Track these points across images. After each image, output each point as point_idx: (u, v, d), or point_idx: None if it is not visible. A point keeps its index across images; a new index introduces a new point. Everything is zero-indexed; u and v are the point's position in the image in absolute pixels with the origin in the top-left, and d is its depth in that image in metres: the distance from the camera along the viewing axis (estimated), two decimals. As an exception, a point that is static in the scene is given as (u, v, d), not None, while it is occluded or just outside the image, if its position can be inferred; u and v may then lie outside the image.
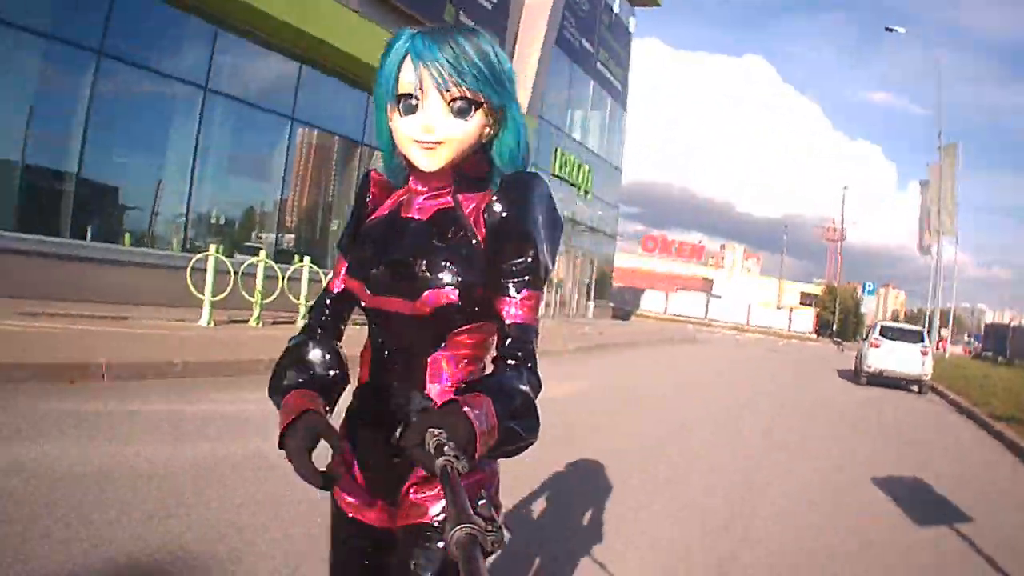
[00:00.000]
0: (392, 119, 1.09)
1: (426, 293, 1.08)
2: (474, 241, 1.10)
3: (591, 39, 21.48)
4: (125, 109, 8.57)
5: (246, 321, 8.94)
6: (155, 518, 2.90)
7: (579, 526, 3.64)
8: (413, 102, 1.06)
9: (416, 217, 1.15)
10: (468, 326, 1.12)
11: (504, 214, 1.08)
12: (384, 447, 1.13)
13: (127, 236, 9.08)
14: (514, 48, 16.68)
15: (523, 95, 15.12)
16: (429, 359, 1.13)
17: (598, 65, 22.40)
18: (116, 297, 7.96)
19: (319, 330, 1.23)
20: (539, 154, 18.86)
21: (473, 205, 1.12)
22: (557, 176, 20.40)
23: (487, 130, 1.11)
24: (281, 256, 10.46)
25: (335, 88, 11.70)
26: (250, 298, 8.89)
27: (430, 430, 0.85)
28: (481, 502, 0.81)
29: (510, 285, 1.08)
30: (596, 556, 3.14)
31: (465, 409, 0.88)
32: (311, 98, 11.26)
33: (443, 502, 0.89)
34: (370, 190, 1.22)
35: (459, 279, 1.08)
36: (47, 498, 2.90)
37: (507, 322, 1.07)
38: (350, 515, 1.21)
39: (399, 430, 1.01)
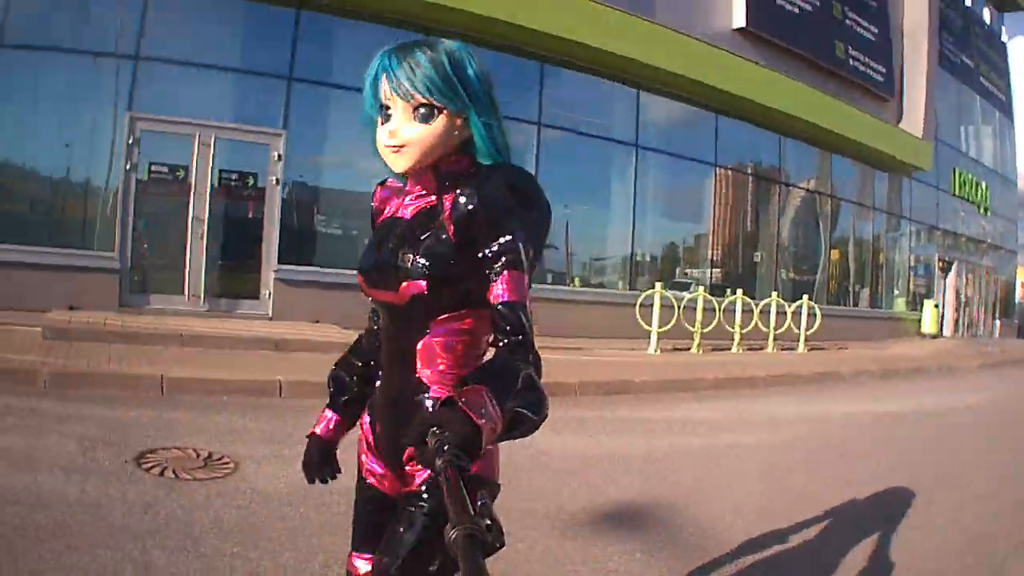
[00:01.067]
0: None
1: (403, 285, 1.16)
2: (443, 235, 1.15)
3: (970, 54, 19.99)
4: (570, 166, 10.54)
5: (687, 349, 9.97)
6: (650, 480, 3.93)
7: None
8: (388, 112, 1.16)
9: (403, 216, 1.25)
10: (449, 314, 1.19)
11: (469, 207, 1.12)
12: (391, 425, 1.26)
13: (576, 280, 11.07)
14: (902, 75, 15.71)
15: (916, 118, 13.32)
16: (419, 345, 1.21)
17: (981, 79, 20.77)
18: (570, 331, 9.74)
19: (373, 327, 1.39)
20: (939, 176, 17.75)
21: (450, 202, 1.17)
22: (958, 196, 19.07)
23: (455, 132, 1.17)
24: (713, 290, 11.29)
25: (748, 131, 12.37)
26: (691, 328, 9.89)
27: (431, 430, 0.87)
28: (481, 502, 0.83)
29: (491, 271, 1.11)
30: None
31: (464, 406, 0.89)
32: (728, 144, 12.16)
33: (418, 426, 0.91)
34: (375, 199, 1.35)
35: (427, 271, 1.14)
36: (574, 468, 4.12)
37: (494, 304, 1.10)
38: (368, 481, 1.35)
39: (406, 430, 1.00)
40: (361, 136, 1.21)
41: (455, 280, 1.15)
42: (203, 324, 7.08)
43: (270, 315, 7.99)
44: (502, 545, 0.82)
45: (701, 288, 10.49)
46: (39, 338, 6.03)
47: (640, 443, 4.88)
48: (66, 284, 7.27)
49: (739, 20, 11.45)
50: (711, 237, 12.76)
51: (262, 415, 4.60)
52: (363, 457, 1.35)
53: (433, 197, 1.22)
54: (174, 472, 3.35)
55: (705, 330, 9.96)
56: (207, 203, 7.81)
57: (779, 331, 11.04)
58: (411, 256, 1.16)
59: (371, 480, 1.34)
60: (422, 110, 1.15)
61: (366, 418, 1.35)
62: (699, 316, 9.92)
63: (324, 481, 1.44)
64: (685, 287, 10.77)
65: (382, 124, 1.18)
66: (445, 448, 0.84)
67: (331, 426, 1.42)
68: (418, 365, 1.21)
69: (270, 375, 5.44)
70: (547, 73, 9.92)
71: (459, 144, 1.19)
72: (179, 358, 5.79)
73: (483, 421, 0.89)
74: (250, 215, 8.14)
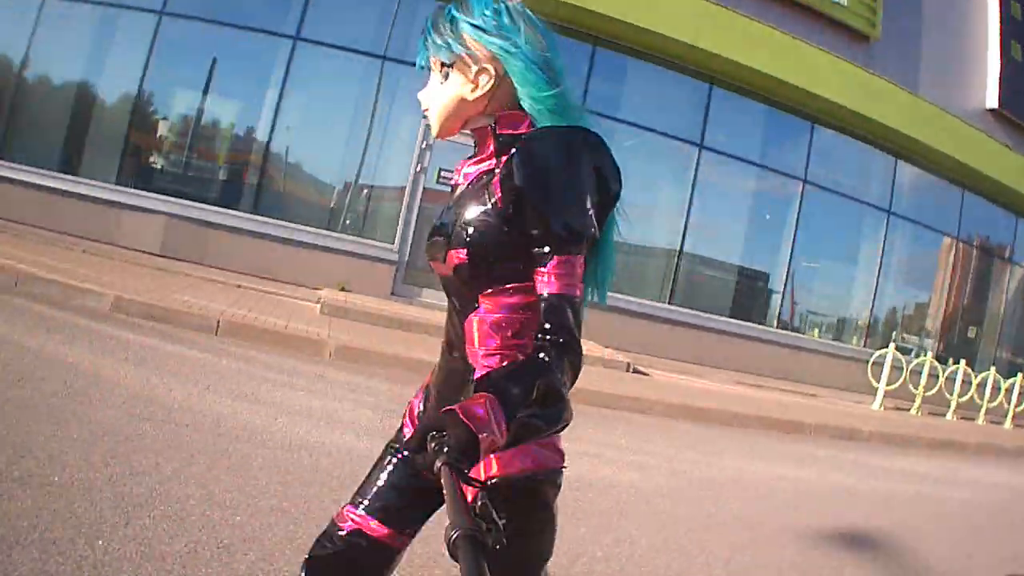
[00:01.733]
0: None
1: (449, 254, 1.12)
2: (490, 203, 1.09)
3: None
4: (824, 223, 10.63)
5: (907, 409, 9.98)
6: (876, 514, 4.39)
7: None
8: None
9: (462, 183, 1.20)
10: (497, 288, 1.12)
11: (510, 180, 1.06)
12: (437, 402, 1.23)
13: (815, 330, 11.17)
14: None
15: None
16: (466, 321, 1.16)
17: None
18: (804, 378, 9.87)
19: None
20: None
21: (501, 168, 1.11)
22: None
23: (473, 87, 1.13)
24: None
25: (985, 207, 12.10)
26: (914, 390, 9.89)
27: (431, 434, 0.88)
28: (481, 503, 0.85)
29: (538, 255, 1.05)
30: None
31: (463, 416, 0.88)
32: (965, 217, 11.99)
33: (419, 430, 0.90)
34: (456, 171, 1.26)
35: (468, 239, 1.09)
36: (812, 494, 4.61)
37: (540, 295, 1.05)
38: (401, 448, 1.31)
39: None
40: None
41: (499, 251, 1.09)
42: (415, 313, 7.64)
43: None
44: (503, 546, 0.82)
45: (929, 354, 10.43)
46: (317, 313, 6.75)
47: (865, 483, 5.34)
48: (343, 267, 8.12)
49: (992, 101, 11.46)
50: (935, 306, 12.58)
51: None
52: (406, 429, 1.33)
53: (492, 161, 1.16)
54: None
55: (928, 393, 9.94)
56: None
57: (991, 404, 10.90)
58: (459, 225, 1.12)
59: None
60: (444, 70, 1.14)
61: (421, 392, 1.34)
62: (923, 380, 9.88)
63: None
64: (906, 351, 10.72)
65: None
66: (445, 451, 0.84)
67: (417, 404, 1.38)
68: (467, 345, 1.16)
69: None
70: (816, 132, 10.18)
71: (495, 101, 1.14)
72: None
73: (479, 427, 0.87)
74: None
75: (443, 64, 1.14)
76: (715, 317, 9.65)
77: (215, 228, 8.02)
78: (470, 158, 1.22)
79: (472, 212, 1.11)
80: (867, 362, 9.62)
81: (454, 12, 1.13)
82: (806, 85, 9.30)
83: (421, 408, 1.32)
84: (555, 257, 1.04)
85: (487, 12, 1.11)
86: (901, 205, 10.93)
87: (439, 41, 1.12)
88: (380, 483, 1.28)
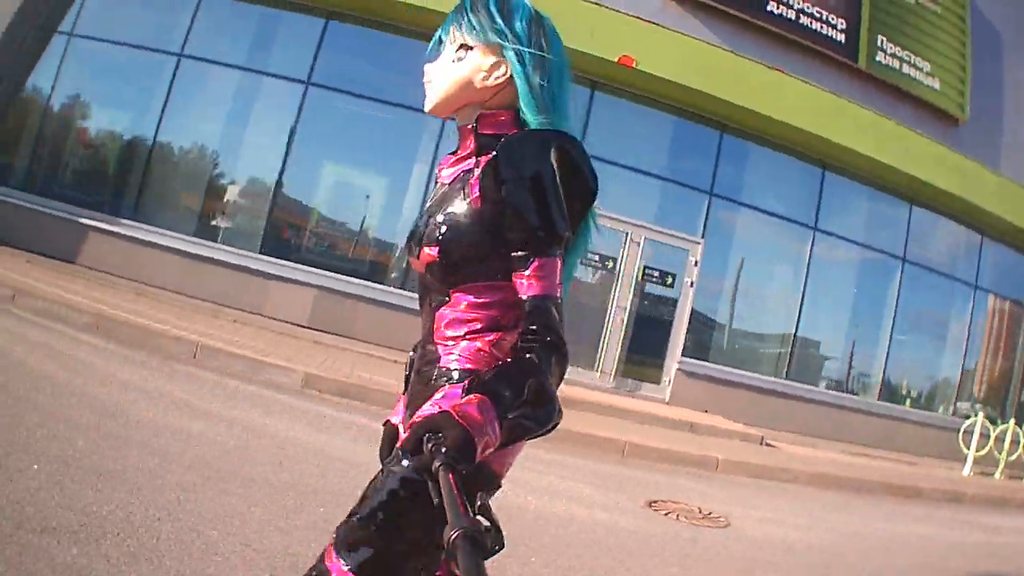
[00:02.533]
0: None
1: (422, 251, 1.16)
2: (467, 203, 1.12)
3: None
4: (910, 296, 11.09)
5: (992, 474, 10.52)
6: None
7: None
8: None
9: (442, 182, 1.23)
10: (469, 285, 1.14)
11: (489, 181, 1.09)
12: (412, 396, 1.24)
13: (908, 400, 11.62)
14: None
15: None
16: (437, 314, 1.18)
17: None
18: (898, 446, 10.29)
19: None
20: None
21: (481, 167, 1.14)
22: None
23: (483, 74, 1.16)
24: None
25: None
26: (998, 455, 10.43)
27: (426, 436, 0.88)
28: (480, 504, 0.85)
29: (517, 257, 1.07)
30: None
31: (458, 418, 0.89)
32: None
33: (414, 432, 0.90)
34: (439, 169, 1.28)
35: (441, 237, 1.12)
36: (935, 551, 4.93)
37: (522, 297, 1.07)
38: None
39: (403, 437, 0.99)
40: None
41: (471, 250, 1.11)
42: (609, 398, 7.96)
43: (667, 400, 8.87)
44: (501, 547, 0.83)
45: (1011, 421, 10.99)
46: None
47: (975, 537, 5.83)
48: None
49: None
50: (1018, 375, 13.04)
51: (714, 484, 5.57)
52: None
53: (472, 160, 1.18)
54: (679, 517, 4.32)
55: (1010, 458, 10.47)
56: (630, 293, 8.84)
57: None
58: (434, 223, 1.14)
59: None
60: (460, 52, 1.16)
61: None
62: (1007, 446, 10.43)
63: None
64: (993, 420, 11.24)
65: None
66: (442, 452, 0.85)
67: (401, 408, 1.33)
68: (436, 337, 1.18)
69: (704, 451, 6.45)
70: (913, 212, 10.66)
71: (496, 97, 1.17)
72: (613, 425, 6.74)
73: (475, 431, 0.89)
74: (664, 309, 9.11)
75: (462, 45, 1.16)
76: (824, 391, 10.08)
77: (364, 302, 8.22)
78: (452, 155, 1.25)
79: (447, 211, 1.13)
80: (957, 430, 10.12)
81: (493, 7, 1.16)
82: (905, 167, 9.79)
83: (402, 409, 1.32)
84: (535, 259, 1.06)
85: (526, 21, 1.15)
86: (985, 280, 11.48)
87: (474, 23, 1.14)
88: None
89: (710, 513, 4.59)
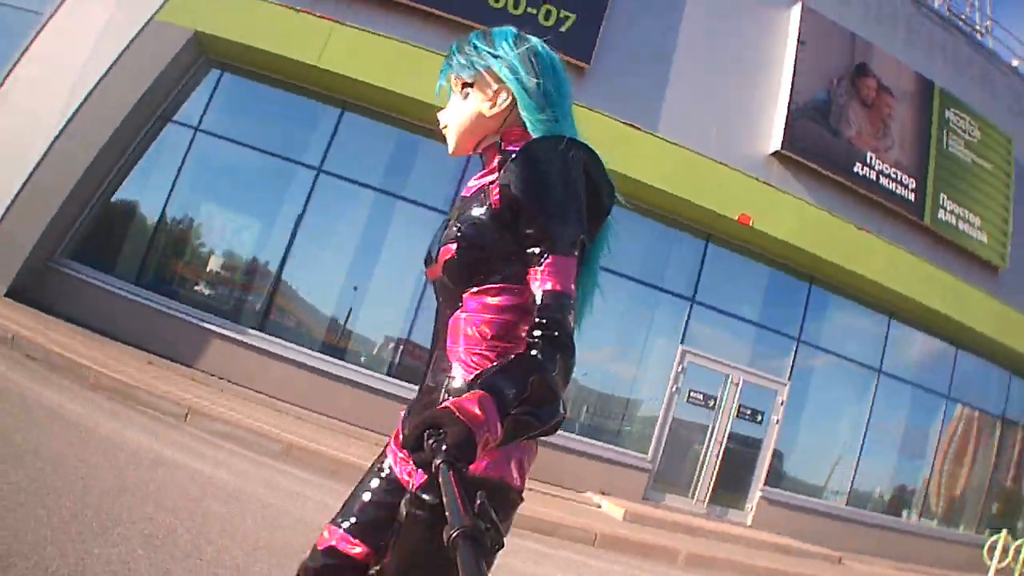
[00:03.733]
0: None
1: (441, 250, 1.20)
2: (485, 205, 1.16)
3: None
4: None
5: (1009, 585, 12.01)
6: None
7: None
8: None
9: (463, 195, 1.28)
10: (483, 287, 1.17)
11: (507, 185, 1.13)
12: (416, 406, 1.29)
13: (934, 520, 12.96)
14: None
15: None
16: (450, 320, 1.21)
17: None
18: (926, 561, 11.60)
19: None
20: None
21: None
22: None
23: (491, 105, 1.23)
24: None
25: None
26: (1014, 566, 11.90)
27: (427, 432, 0.90)
28: (480, 503, 0.85)
29: (532, 254, 1.10)
30: None
31: (459, 414, 0.90)
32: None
33: (414, 428, 0.90)
34: (462, 194, 1.32)
35: (459, 235, 1.16)
36: None
37: (534, 291, 1.09)
38: (386, 461, 1.34)
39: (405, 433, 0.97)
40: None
41: (488, 248, 1.13)
42: (701, 522, 8.95)
43: (748, 524, 9.93)
44: (501, 546, 0.84)
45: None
46: (620, 519, 7.91)
47: None
48: (601, 472, 9.23)
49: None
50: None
51: None
52: (388, 448, 1.37)
53: (496, 175, 1.20)
54: None
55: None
56: (727, 428, 9.82)
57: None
58: (453, 226, 1.18)
59: (392, 466, 1.31)
60: (464, 90, 1.24)
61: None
62: (1022, 557, 11.94)
63: None
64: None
65: None
66: (443, 449, 0.86)
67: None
68: (447, 341, 1.19)
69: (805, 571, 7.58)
70: (959, 355, 11.95)
71: (510, 119, 1.23)
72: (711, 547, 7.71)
73: (476, 428, 0.89)
74: (752, 443, 10.13)
75: (464, 84, 1.24)
76: (877, 515, 11.38)
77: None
78: (478, 175, 1.29)
79: (468, 213, 1.18)
80: (981, 546, 11.51)
81: (478, 45, 1.24)
82: (957, 315, 11.03)
83: (401, 426, 1.34)
84: (550, 256, 1.08)
85: (509, 49, 1.22)
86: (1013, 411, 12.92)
87: (463, 61, 1.23)
88: (360, 501, 1.31)
89: None
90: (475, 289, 1.16)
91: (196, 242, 9.50)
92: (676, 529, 8.24)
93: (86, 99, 8.47)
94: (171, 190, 9.09)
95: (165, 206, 9.12)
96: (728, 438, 9.90)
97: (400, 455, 1.30)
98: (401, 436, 1.32)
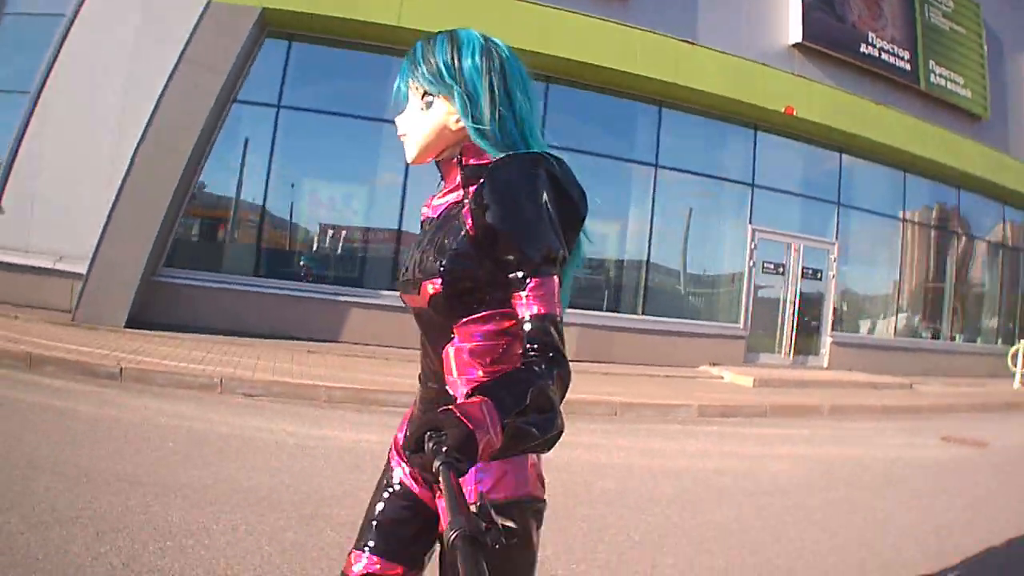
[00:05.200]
0: None
1: (423, 285, 1.16)
2: (462, 232, 1.13)
3: None
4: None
5: None
6: None
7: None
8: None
9: (432, 216, 1.26)
10: (472, 316, 1.14)
11: (480, 208, 1.10)
12: (414, 419, 1.29)
13: (958, 337, 15.09)
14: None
15: None
16: (443, 351, 1.18)
17: None
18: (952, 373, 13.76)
19: None
20: None
21: (470, 197, 1.14)
22: None
23: (456, 119, 1.18)
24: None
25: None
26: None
27: (428, 434, 0.89)
28: (479, 503, 0.87)
29: (514, 279, 1.08)
30: None
31: (459, 415, 0.90)
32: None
33: (416, 431, 0.91)
34: (426, 204, 1.32)
35: (442, 269, 1.13)
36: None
37: (521, 317, 1.08)
38: (399, 479, 1.34)
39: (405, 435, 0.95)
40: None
41: (472, 279, 1.12)
42: (791, 373, 10.68)
43: (824, 366, 11.72)
44: (502, 546, 0.84)
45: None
46: (750, 385, 9.41)
47: None
48: (706, 347, 10.82)
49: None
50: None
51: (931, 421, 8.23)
52: (392, 462, 1.37)
53: (460, 192, 1.19)
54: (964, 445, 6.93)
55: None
56: (795, 289, 11.49)
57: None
58: (431, 256, 1.15)
59: (402, 479, 1.33)
60: (426, 98, 1.19)
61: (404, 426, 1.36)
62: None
63: None
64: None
65: None
66: (443, 450, 0.86)
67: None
68: (446, 375, 1.19)
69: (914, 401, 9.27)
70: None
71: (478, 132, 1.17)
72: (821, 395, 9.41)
73: (477, 429, 0.90)
74: (816, 297, 11.83)
75: (425, 92, 1.18)
76: (920, 340, 13.37)
77: (616, 331, 10.31)
78: (438, 190, 1.28)
79: (444, 243, 1.15)
80: (1006, 355, 13.67)
81: (441, 53, 1.18)
82: (957, 164, 12.88)
83: (400, 443, 1.34)
84: (531, 280, 1.07)
85: (472, 56, 1.17)
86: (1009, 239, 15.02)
87: (426, 73, 1.17)
88: (378, 521, 1.31)
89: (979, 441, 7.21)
90: (465, 319, 1.15)
91: (305, 219, 9.87)
92: (805, 386, 9.76)
93: (161, 99, 8.22)
94: (268, 173, 9.26)
95: (266, 190, 9.30)
96: (798, 297, 11.58)
97: (404, 466, 1.34)
98: (398, 446, 1.35)
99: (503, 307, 1.12)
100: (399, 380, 6.62)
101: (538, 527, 1.17)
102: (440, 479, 0.84)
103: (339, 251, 9.92)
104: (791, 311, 11.50)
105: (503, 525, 0.89)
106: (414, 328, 1.29)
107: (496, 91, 1.17)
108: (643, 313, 10.61)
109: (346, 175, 10.16)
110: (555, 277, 1.09)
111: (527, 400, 0.97)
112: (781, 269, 11.48)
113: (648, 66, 9.91)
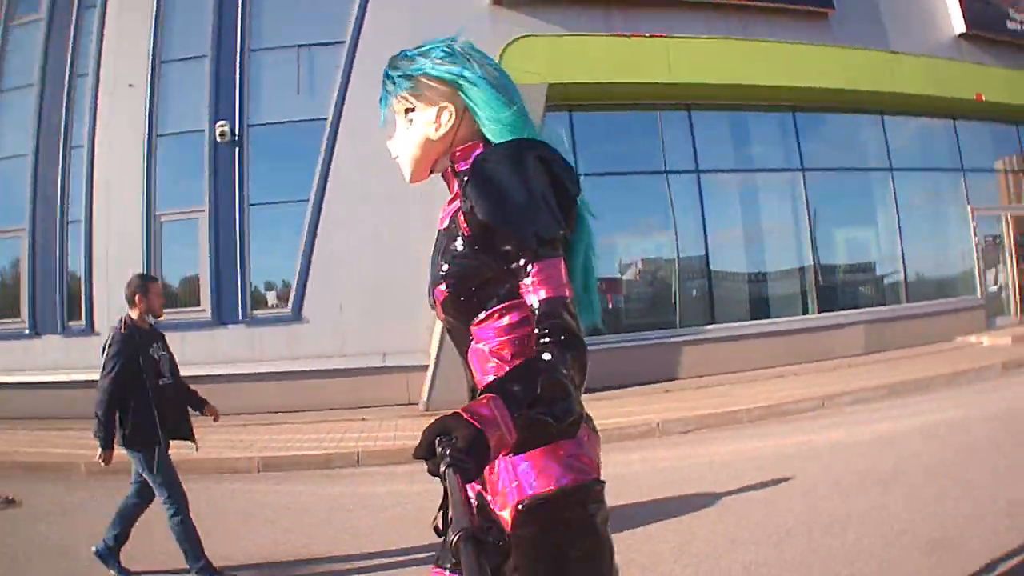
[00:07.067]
0: None
1: (435, 293, 1.19)
2: (459, 234, 1.15)
3: None
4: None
5: None
6: None
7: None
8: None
9: (440, 227, 1.25)
10: (484, 314, 1.15)
11: (470, 210, 1.10)
12: None
13: None
14: None
15: None
16: (468, 352, 1.21)
17: None
18: None
19: None
20: None
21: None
22: None
23: (440, 123, 1.18)
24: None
25: None
26: None
27: (437, 439, 0.89)
28: (478, 503, 0.91)
29: (517, 268, 1.08)
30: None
31: (467, 416, 0.90)
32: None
33: (425, 435, 0.90)
34: (438, 227, 1.28)
35: (448, 272, 1.15)
36: None
37: (530, 304, 1.07)
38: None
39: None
40: None
41: (476, 276, 1.12)
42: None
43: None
44: (503, 545, 0.89)
45: None
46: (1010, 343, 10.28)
47: None
48: (953, 321, 11.56)
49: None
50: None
51: None
52: None
53: (460, 200, 1.18)
54: None
55: None
56: (1013, 255, 12.43)
57: None
58: (440, 263, 1.18)
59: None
60: (408, 116, 1.21)
61: None
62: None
63: None
64: None
65: None
66: (448, 453, 0.86)
67: None
68: (476, 374, 1.20)
69: None
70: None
71: (459, 137, 1.20)
72: None
73: (487, 427, 0.89)
74: None
75: (407, 109, 1.20)
76: None
77: (887, 321, 10.97)
78: (447, 203, 1.28)
79: (447, 248, 1.17)
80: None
81: (410, 53, 1.21)
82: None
83: None
84: (534, 265, 1.06)
85: (442, 50, 1.19)
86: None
87: (399, 77, 1.19)
88: None
89: None
90: (480, 318, 1.16)
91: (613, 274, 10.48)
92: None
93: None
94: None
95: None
96: (1016, 258, 12.54)
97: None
98: None
99: (515, 298, 1.13)
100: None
101: (599, 514, 1.12)
102: (446, 481, 0.84)
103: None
104: (1013, 277, 12.44)
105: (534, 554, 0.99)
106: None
107: (480, 63, 1.20)
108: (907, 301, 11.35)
109: (632, 227, 10.78)
110: (558, 258, 1.09)
111: (538, 390, 0.96)
112: (998, 240, 12.43)
113: (866, 81, 10.69)
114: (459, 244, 1.14)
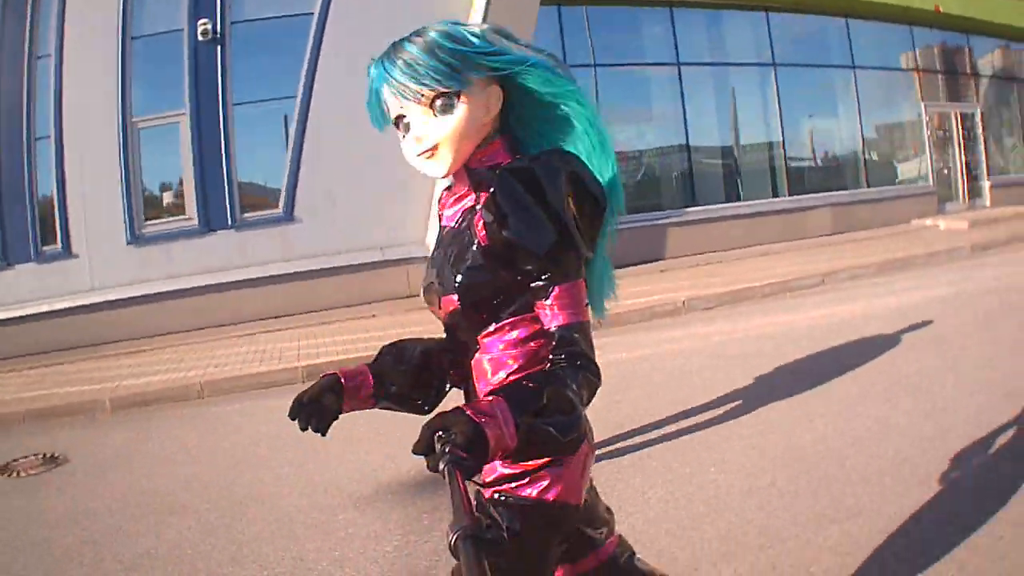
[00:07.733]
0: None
1: (443, 300, 1.14)
2: (474, 244, 1.09)
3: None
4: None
5: None
6: None
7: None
8: (406, 120, 1.10)
9: (447, 225, 1.21)
10: (494, 326, 1.12)
11: (493, 218, 1.05)
12: None
13: None
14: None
15: None
16: (472, 362, 1.17)
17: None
18: None
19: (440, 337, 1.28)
20: None
21: (482, 203, 1.09)
22: None
23: (486, 111, 1.10)
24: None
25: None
26: None
27: (437, 434, 0.87)
28: (477, 501, 0.88)
29: (537, 287, 1.05)
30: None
31: (469, 412, 0.89)
32: None
33: (425, 431, 0.88)
34: (440, 207, 1.25)
35: (458, 283, 1.09)
36: None
37: (547, 327, 1.06)
38: None
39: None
40: None
41: (490, 291, 1.09)
42: (984, 214, 12.50)
43: (987, 205, 13.66)
44: (503, 544, 0.86)
45: None
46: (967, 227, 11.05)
47: None
48: (911, 205, 12.40)
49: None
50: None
51: None
52: None
53: (471, 197, 1.15)
54: None
55: None
56: (961, 145, 13.29)
57: None
58: (448, 269, 1.12)
59: None
60: (439, 102, 1.07)
61: None
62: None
63: (307, 429, 1.13)
64: None
65: (404, 135, 1.12)
66: (448, 449, 0.85)
67: (360, 381, 1.22)
68: (475, 380, 1.18)
69: None
70: None
71: (493, 128, 1.13)
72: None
73: (487, 424, 0.87)
74: (976, 149, 13.71)
75: (438, 97, 1.06)
76: None
77: (856, 204, 11.67)
78: (447, 191, 1.23)
79: (459, 255, 1.11)
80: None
81: (451, 33, 1.07)
82: None
83: None
84: (555, 287, 1.04)
85: (478, 37, 1.08)
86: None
87: (450, 68, 1.04)
88: None
89: None
90: (490, 330, 1.13)
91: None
92: (1005, 220, 11.44)
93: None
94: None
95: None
96: (963, 150, 13.42)
97: None
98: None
99: (526, 312, 1.10)
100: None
101: (556, 534, 1.14)
102: (446, 478, 0.83)
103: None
104: (960, 165, 13.34)
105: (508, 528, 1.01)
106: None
107: (531, 57, 1.11)
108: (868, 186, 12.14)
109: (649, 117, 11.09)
110: (580, 281, 1.07)
111: (543, 399, 0.94)
112: (946, 132, 13.25)
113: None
114: (474, 252, 1.09)
